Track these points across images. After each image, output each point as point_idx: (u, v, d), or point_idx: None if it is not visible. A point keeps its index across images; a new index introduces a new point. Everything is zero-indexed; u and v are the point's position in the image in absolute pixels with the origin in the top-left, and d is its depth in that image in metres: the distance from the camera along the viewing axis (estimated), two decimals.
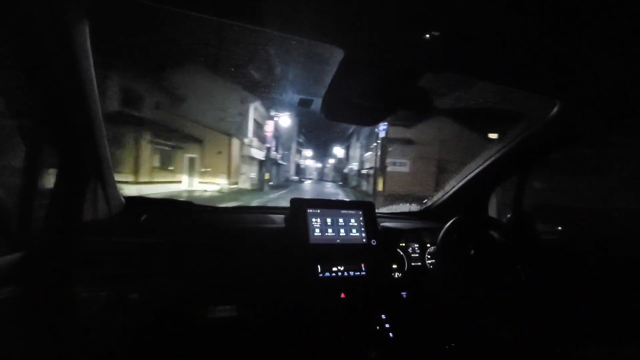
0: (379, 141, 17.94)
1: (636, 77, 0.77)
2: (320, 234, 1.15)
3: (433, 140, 13.96)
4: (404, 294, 1.22)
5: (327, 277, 1.10)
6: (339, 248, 1.15)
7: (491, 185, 1.43)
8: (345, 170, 34.47)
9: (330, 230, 1.17)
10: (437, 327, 1.18)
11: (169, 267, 1.02)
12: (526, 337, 1.11)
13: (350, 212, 1.24)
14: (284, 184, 23.81)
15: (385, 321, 1.10)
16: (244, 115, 14.12)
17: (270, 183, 15.02)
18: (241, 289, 1.08)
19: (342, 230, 1.18)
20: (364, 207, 1.27)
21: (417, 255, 1.29)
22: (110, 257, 0.97)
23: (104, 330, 0.93)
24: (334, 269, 1.11)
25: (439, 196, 1.60)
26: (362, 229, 1.22)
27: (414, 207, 1.74)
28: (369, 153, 17.58)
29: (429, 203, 1.66)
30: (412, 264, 1.27)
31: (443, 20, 0.57)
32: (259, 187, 14.65)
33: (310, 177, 53.47)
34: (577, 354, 0.90)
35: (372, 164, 16.18)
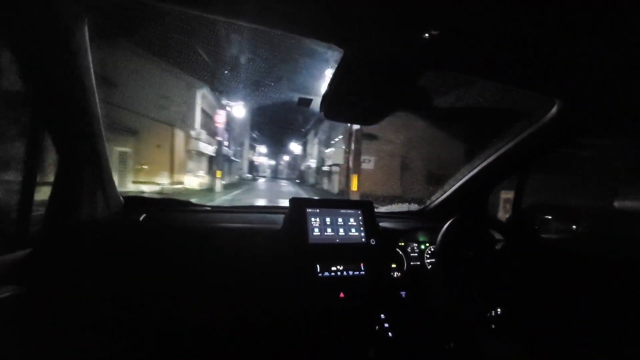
0: (341, 136, 17.11)
1: (636, 77, 0.76)
2: (319, 233, 1.13)
3: (400, 136, 13.43)
4: (403, 293, 1.20)
5: (326, 276, 1.08)
6: (338, 248, 1.14)
7: (491, 185, 1.44)
8: (302, 168, 33.37)
9: (329, 230, 1.15)
10: (436, 326, 1.17)
11: (168, 267, 1.02)
12: (526, 337, 1.07)
13: (349, 211, 1.22)
14: (237, 183, 21.91)
15: (385, 321, 1.10)
16: (189, 103, 12.18)
17: (223, 182, 13.17)
18: (240, 288, 1.06)
19: (341, 230, 1.17)
20: (363, 206, 1.26)
21: (416, 255, 1.28)
22: (109, 257, 0.97)
23: (102, 330, 0.92)
24: (333, 268, 1.10)
25: (437, 195, 1.59)
26: (362, 229, 1.20)
27: (413, 207, 1.72)
28: (331, 149, 16.58)
29: (428, 202, 1.64)
30: (412, 263, 1.25)
31: (442, 18, 0.57)
32: (210, 186, 12.80)
33: (264, 174, 52.30)
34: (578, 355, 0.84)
35: (335, 161, 15.19)
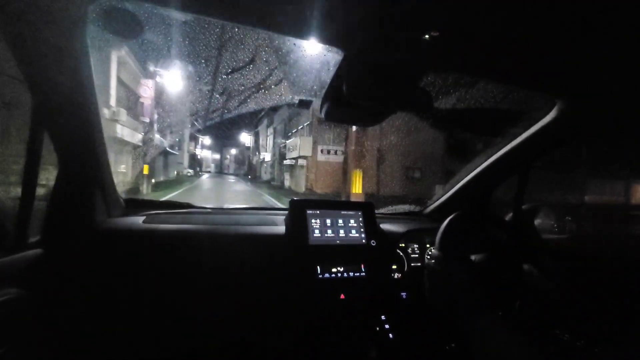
0: (307, 123, 14.49)
1: (636, 77, 0.77)
2: (319, 234, 1.12)
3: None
4: (403, 294, 1.18)
5: (327, 278, 1.07)
6: (339, 249, 1.13)
7: (492, 185, 1.42)
8: (253, 162, 29.99)
9: (329, 231, 1.14)
10: (437, 327, 1.14)
11: (169, 269, 1.01)
12: (527, 336, 0.90)
13: (349, 212, 1.21)
14: (176, 180, 17.91)
15: (385, 322, 1.10)
16: (98, 68, 8.44)
17: (153, 180, 9.61)
18: (240, 290, 1.05)
19: (341, 231, 1.16)
20: (364, 207, 1.25)
21: (417, 255, 1.25)
22: (110, 260, 0.97)
23: (101, 332, 0.94)
24: (334, 269, 1.09)
25: (438, 196, 1.60)
26: (362, 230, 1.19)
27: (414, 208, 1.69)
28: (295, 139, 13.82)
29: (429, 203, 1.63)
30: (412, 264, 1.23)
31: (442, 19, 0.58)
32: (133, 185, 9.18)
33: (208, 169, 48.77)
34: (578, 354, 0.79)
35: (303, 152, 12.56)
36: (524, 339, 0.66)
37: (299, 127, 14.39)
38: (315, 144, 12.41)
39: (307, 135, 12.66)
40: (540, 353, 0.64)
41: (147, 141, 9.61)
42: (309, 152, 12.44)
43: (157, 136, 12.24)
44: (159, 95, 9.19)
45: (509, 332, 0.70)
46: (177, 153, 21.20)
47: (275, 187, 18.11)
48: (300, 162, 12.74)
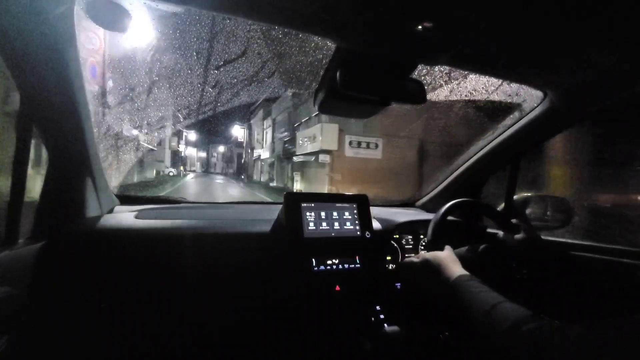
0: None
1: (625, 69, 0.78)
2: (314, 227, 1.12)
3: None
4: (398, 285, 1.21)
5: (322, 270, 1.07)
6: (334, 241, 1.13)
7: (484, 176, 1.44)
8: (246, 159, 26.63)
9: (324, 224, 1.14)
10: (431, 317, 1.17)
11: (162, 265, 1.01)
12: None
13: (344, 205, 1.20)
14: (155, 181, 14.41)
15: (380, 312, 1.10)
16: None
17: (117, 184, 6.37)
18: (235, 284, 1.07)
19: (336, 224, 1.16)
20: (358, 200, 1.25)
21: (411, 247, 1.29)
22: (101, 256, 0.95)
23: (95, 331, 0.93)
24: (329, 262, 1.09)
25: (432, 187, 1.62)
26: (357, 222, 1.19)
27: (408, 199, 1.72)
28: (312, 129, 10.60)
29: (423, 194, 1.66)
30: (406, 255, 1.26)
31: (435, 11, 0.59)
32: None
33: (193, 169, 45.44)
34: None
35: (325, 145, 9.40)
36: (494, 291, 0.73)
37: (313, 115, 11.19)
38: (341, 133, 9.28)
39: (331, 122, 9.50)
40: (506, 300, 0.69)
41: (99, 124, 6.30)
42: (334, 145, 9.33)
43: (128, 128, 8.84)
44: (121, 53, 5.99)
45: (480, 282, 0.78)
46: (156, 149, 17.69)
47: (278, 190, 14.88)
48: (322, 158, 9.58)
